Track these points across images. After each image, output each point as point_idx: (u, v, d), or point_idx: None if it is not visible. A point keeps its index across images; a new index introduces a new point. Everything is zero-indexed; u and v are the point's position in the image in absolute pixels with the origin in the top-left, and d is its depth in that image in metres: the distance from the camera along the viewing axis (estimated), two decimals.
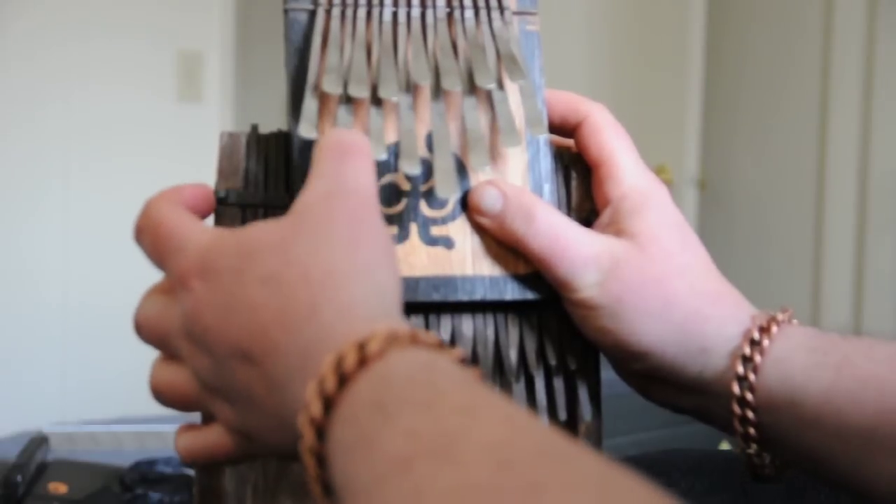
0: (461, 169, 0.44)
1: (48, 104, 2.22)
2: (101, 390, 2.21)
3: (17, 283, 2.21)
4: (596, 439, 0.44)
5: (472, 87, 0.44)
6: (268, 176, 0.44)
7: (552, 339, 0.44)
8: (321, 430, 0.29)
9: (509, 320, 0.44)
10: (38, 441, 0.88)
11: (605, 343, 0.43)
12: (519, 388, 0.43)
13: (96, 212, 2.26)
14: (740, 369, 0.41)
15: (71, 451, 1.04)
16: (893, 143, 2.41)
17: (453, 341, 0.43)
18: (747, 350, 0.41)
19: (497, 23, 0.46)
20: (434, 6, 0.45)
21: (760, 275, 2.68)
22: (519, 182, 0.44)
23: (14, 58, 2.18)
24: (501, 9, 0.46)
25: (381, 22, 0.45)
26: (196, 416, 0.39)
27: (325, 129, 0.43)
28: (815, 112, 2.57)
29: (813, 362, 0.40)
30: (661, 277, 0.42)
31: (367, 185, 0.36)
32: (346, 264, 0.33)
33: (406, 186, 0.43)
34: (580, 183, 0.46)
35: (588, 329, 0.43)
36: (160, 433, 1.10)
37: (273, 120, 2.42)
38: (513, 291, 0.43)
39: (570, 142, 0.47)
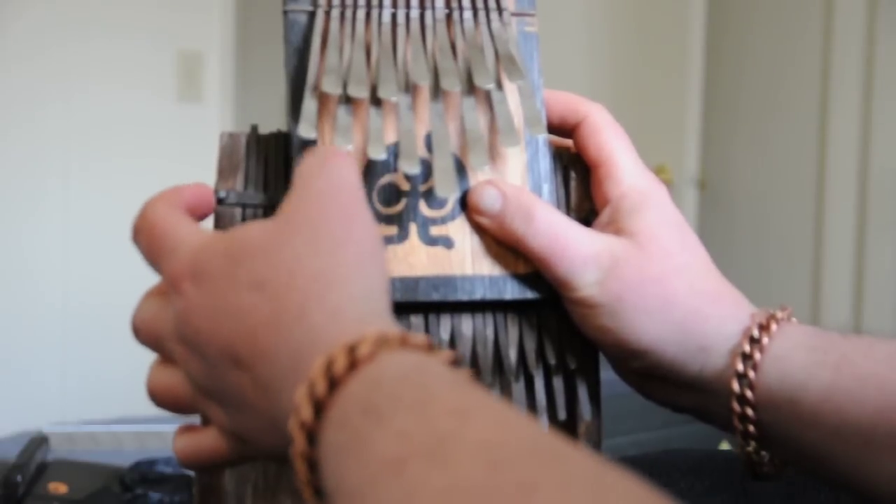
0: (460, 169, 0.44)
1: (48, 104, 2.22)
2: (101, 390, 2.21)
3: (17, 283, 2.21)
4: (596, 439, 0.44)
5: (470, 88, 0.44)
6: (268, 176, 0.44)
7: (552, 338, 0.44)
8: (312, 435, 0.29)
9: (509, 320, 0.44)
10: (38, 441, 0.88)
11: (604, 342, 0.43)
12: (518, 387, 0.43)
13: (96, 212, 2.26)
14: (740, 367, 0.41)
15: (71, 451, 1.04)
16: (893, 142, 2.41)
17: (453, 341, 0.43)
18: (747, 348, 0.41)
19: (496, 24, 0.46)
20: (433, 7, 0.46)
21: (760, 275, 2.68)
22: (518, 182, 0.44)
23: (14, 58, 2.18)
24: (500, 10, 0.46)
25: (380, 23, 0.45)
26: (195, 418, 0.39)
27: (324, 130, 0.43)
28: (815, 112, 2.57)
29: (812, 361, 0.40)
30: (660, 276, 0.42)
31: (351, 184, 0.36)
32: (334, 267, 0.33)
33: (405, 186, 0.43)
34: (579, 183, 0.46)
35: (588, 328, 0.43)
36: (160, 433, 1.10)
37: (273, 120, 2.42)
38: (512, 291, 0.43)
39: (568, 142, 0.47)
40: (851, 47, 2.47)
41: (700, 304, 0.42)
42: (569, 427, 0.44)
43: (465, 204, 0.44)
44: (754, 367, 0.40)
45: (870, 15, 2.43)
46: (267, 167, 0.44)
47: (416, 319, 0.43)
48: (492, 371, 0.43)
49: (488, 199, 0.43)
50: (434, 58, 0.44)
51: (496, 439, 0.25)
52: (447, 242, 0.43)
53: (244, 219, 0.43)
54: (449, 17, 0.46)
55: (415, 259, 0.43)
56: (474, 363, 0.43)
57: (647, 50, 2.76)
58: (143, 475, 0.82)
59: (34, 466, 0.84)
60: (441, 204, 0.44)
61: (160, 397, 0.38)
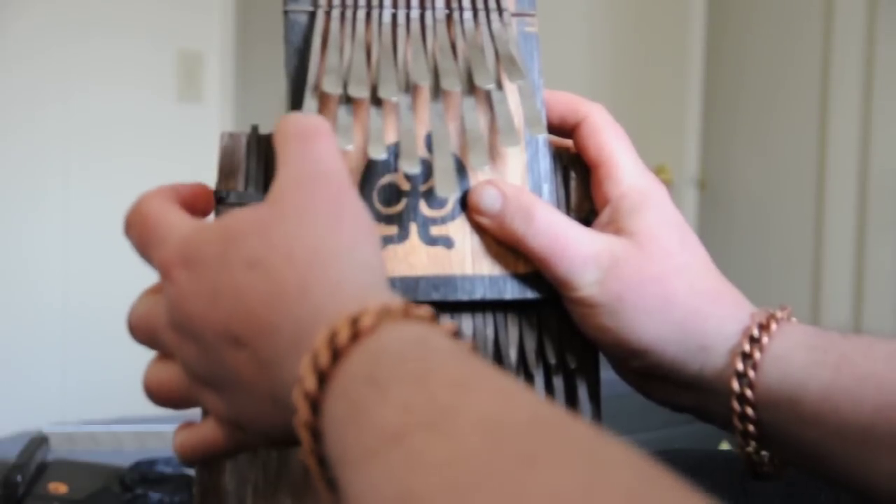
0: (460, 169, 0.44)
1: (48, 104, 2.22)
2: (101, 390, 2.21)
3: (17, 283, 2.21)
4: None
5: (471, 88, 0.44)
6: (268, 176, 0.44)
7: (552, 337, 0.44)
8: (315, 404, 0.30)
9: (509, 319, 0.44)
10: (38, 441, 0.88)
11: (604, 341, 0.43)
12: None
13: (96, 212, 2.26)
14: (740, 366, 0.41)
15: (71, 451, 1.04)
16: (893, 143, 2.41)
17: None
18: (747, 347, 0.41)
19: (496, 24, 0.46)
20: (433, 8, 0.46)
21: (760, 275, 2.68)
22: (518, 182, 0.45)
23: (14, 58, 2.18)
24: (500, 10, 0.46)
25: (380, 23, 0.45)
26: (195, 415, 0.40)
27: None
28: (815, 112, 2.57)
29: (812, 360, 0.40)
30: (660, 276, 0.42)
31: (338, 165, 0.36)
32: (331, 243, 0.33)
33: (406, 186, 0.43)
34: (579, 183, 0.47)
35: (588, 327, 0.43)
36: (160, 433, 1.10)
37: (273, 120, 2.42)
38: (512, 291, 0.43)
39: (568, 142, 0.47)
40: (851, 47, 2.47)
41: (700, 304, 0.42)
42: None
43: (465, 204, 0.44)
44: (754, 367, 0.40)
45: (870, 15, 2.44)
46: (267, 167, 0.44)
47: None
48: None
49: (488, 199, 0.43)
50: (434, 58, 0.44)
51: (496, 411, 0.25)
52: (447, 242, 0.43)
53: None
54: (449, 17, 0.46)
55: (415, 259, 0.43)
56: None
57: (647, 50, 2.76)
58: (143, 475, 0.82)
59: (34, 466, 0.84)
60: (441, 204, 0.44)
61: (156, 393, 0.38)
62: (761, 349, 0.41)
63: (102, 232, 2.26)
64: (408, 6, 0.45)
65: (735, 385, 0.41)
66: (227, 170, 0.44)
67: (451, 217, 0.44)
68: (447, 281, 0.43)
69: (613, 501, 0.22)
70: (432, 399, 0.26)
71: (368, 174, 0.43)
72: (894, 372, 0.38)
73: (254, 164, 0.44)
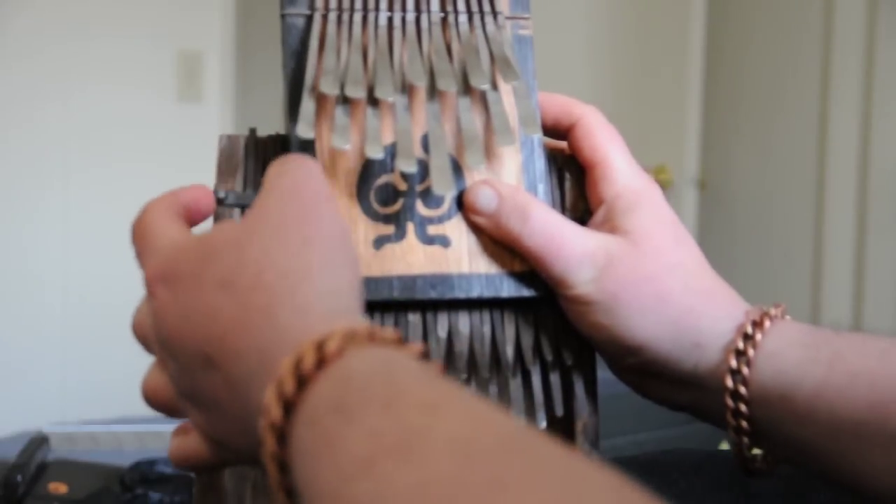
0: (457, 169, 0.45)
1: (48, 104, 2.22)
2: (101, 390, 2.21)
3: (17, 283, 2.21)
4: (593, 435, 0.44)
5: (466, 89, 0.45)
6: None
7: (548, 335, 0.45)
8: (282, 435, 0.29)
9: (505, 317, 0.44)
10: (38, 441, 0.88)
11: (599, 338, 0.43)
12: (516, 384, 0.44)
13: (96, 212, 2.26)
14: (733, 363, 0.41)
15: (71, 451, 1.04)
16: (893, 143, 2.41)
17: (451, 338, 0.43)
18: (740, 344, 0.41)
19: (490, 27, 0.46)
20: (428, 11, 0.46)
21: (760, 274, 2.68)
22: (513, 182, 0.45)
23: (14, 57, 2.18)
24: (494, 13, 0.47)
25: (376, 26, 0.45)
26: None
27: (322, 130, 0.43)
28: (815, 112, 2.57)
29: (805, 357, 0.40)
30: (654, 274, 0.42)
31: (315, 182, 0.36)
32: (300, 264, 0.33)
33: (403, 186, 0.44)
34: (574, 184, 0.47)
35: (583, 325, 0.43)
36: (160, 433, 1.10)
37: (273, 120, 2.42)
38: (509, 289, 0.44)
39: (563, 144, 0.48)
40: (851, 47, 2.47)
41: (694, 302, 0.42)
42: (566, 423, 0.45)
43: (461, 204, 0.44)
44: (748, 364, 0.41)
45: (870, 15, 2.44)
46: (266, 168, 0.45)
47: (414, 317, 0.43)
48: (489, 368, 0.44)
49: (484, 198, 0.43)
50: (430, 59, 0.45)
51: (466, 434, 0.25)
52: (444, 241, 0.44)
53: None
54: (444, 20, 0.46)
55: (412, 258, 0.43)
56: (472, 360, 0.44)
57: (647, 50, 2.76)
58: (143, 475, 0.82)
59: (34, 466, 0.84)
60: (438, 203, 0.44)
61: (150, 399, 0.38)
62: (755, 346, 0.41)
63: (102, 232, 2.27)
64: (403, 9, 0.46)
65: (729, 382, 0.41)
66: (225, 171, 0.44)
67: (448, 216, 0.44)
68: (444, 279, 0.43)
69: None
70: (400, 424, 0.26)
71: (366, 174, 0.44)
72: (887, 369, 0.38)
73: (252, 166, 0.45)
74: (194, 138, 2.32)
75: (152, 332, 0.36)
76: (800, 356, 0.40)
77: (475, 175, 0.45)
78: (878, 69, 2.42)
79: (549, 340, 0.44)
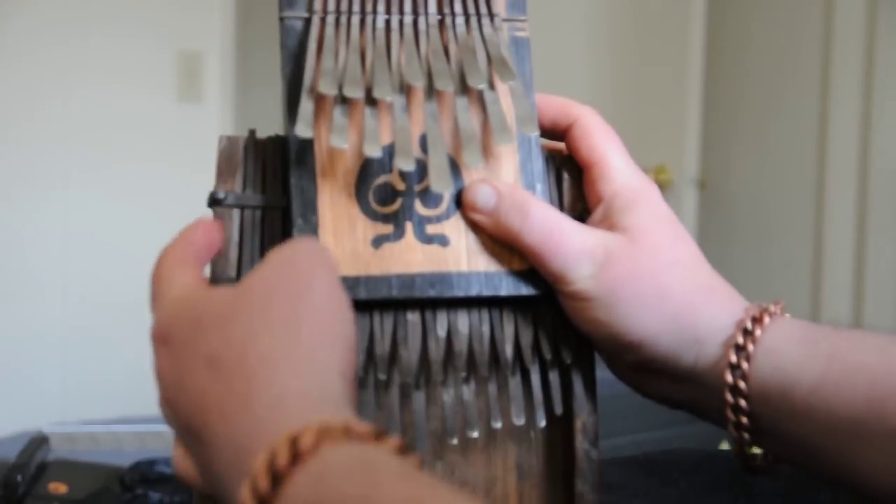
0: (454, 168, 0.45)
1: (48, 103, 2.22)
2: (101, 390, 2.21)
3: (17, 283, 2.21)
4: (592, 434, 0.44)
5: (463, 89, 0.45)
6: (265, 178, 0.45)
7: (547, 333, 0.45)
8: None
9: (504, 316, 0.44)
10: (38, 441, 0.88)
11: (599, 335, 0.43)
12: (515, 382, 0.44)
13: (96, 211, 2.27)
14: (733, 358, 0.41)
15: (71, 451, 1.04)
16: (893, 143, 2.41)
17: (450, 338, 0.44)
18: (740, 339, 0.41)
19: (487, 29, 0.47)
20: (426, 13, 0.47)
21: (760, 274, 2.68)
22: (511, 182, 0.45)
23: (14, 56, 2.18)
24: (491, 15, 0.47)
25: (374, 28, 0.46)
26: None
27: (320, 130, 0.43)
28: (815, 112, 2.57)
29: (805, 353, 0.40)
30: (653, 270, 0.42)
31: (312, 253, 0.36)
32: (283, 348, 0.33)
33: (401, 186, 0.44)
34: (572, 184, 0.47)
35: (582, 322, 0.43)
36: (160, 433, 1.10)
37: (273, 120, 2.42)
38: (507, 287, 0.44)
39: (560, 145, 0.48)
40: (851, 47, 2.47)
41: (693, 298, 0.42)
42: (565, 422, 0.45)
43: (459, 203, 0.44)
44: (747, 359, 0.41)
45: (870, 15, 2.44)
46: (265, 169, 0.45)
47: (413, 316, 0.43)
48: (488, 367, 0.44)
49: (483, 196, 0.44)
50: (427, 60, 0.45)
51: None
52: (443, 240, 0.44)
53: (242, 219, 0.44)
54: (441, 22, 0.47)
55: (411, 256, 0.43)
56: (471, 359, 0.44)
57: (647, 50, 2.76)
58: (143, 475, 0.82)
59: (34, 466, 0.84)
60: (436, 203, 0.44)
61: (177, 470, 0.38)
62: (754, 341, 0.41)
63: (102, 232, 2.27)
64: (401, 12, 0.46)
65: (728, 377, 0.41)
66: (225, 171, 0.45)
67: (447, 216, 0.44)
68: (443, 278, 0.43)
69: None
70: None
71: (364, 174, 0.44)
72: (886, 365, 0.38)
73: (251, 167, 0.45)
74: (194, 138, 2.32)
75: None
76: (799, 352, 0.40)
77: (473, 174, 0.45)
78: (878, 69, 2.42)
79: (548, 339, 0.45)
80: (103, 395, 2.19)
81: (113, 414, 1.52)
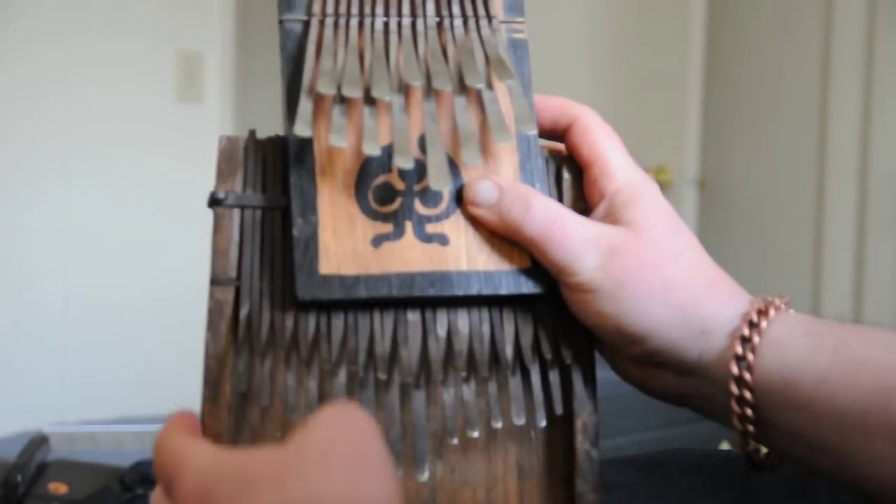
0: (453, 167, 0.45)
1: (48, 103, 2.22)
2: (101, 390, 2.21)
3: (17, 283, 2.21)
4: (593, 434, 0.44)
5: (462, 88, 0.45)
6: (266, 178, 0.45)
7: (547, 333, 0.45)
8: None
9: (504, 315, 0.45)
10: (38, 441, 0.88)
11: (604, 327, 0.43)
12: (515, 382, 0.44)
13: (96, 212, 2.27)
14: (739, 349, 0.41)
15: (71, 451, 1.04)
16: (893, 142, 2.41)
17: (450, 337, 0.44)
18: (746, 331, 0.41)
19: (485, 30, 0.47)
20: (424, 15, 0.47)
21: (761, 274, 2.68)
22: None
23: (13, 57, 2.18)
24: (489, 17, 0.47)
25: (372, 30, 0.46)
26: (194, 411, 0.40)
27: (319, 129, 0.44)
28: (815, 112, 2.57)
29: (810, 345, 0.40)
30: (658, 261, 0.42)
31: (362, 424, 0.34)
32: (348, 498, 0.31)
33: (400, 186, 0.44)
34: (572, 184, 0.47)
35: (587, 314, 0.43)
36: None
37: (273, 120, 2.42)
38: (507, 286, 0.44)
39: (560, 146, 0.48)
40: (851, 47, 2.47)
41: (699, 289, 0.42)
42: (565, 422, 0.45)
43: (459, 202, 0.44)
44: (753, 350, 0.41)
45: (870, 15, 2.44)
46: (265, 170, 0.45)
47: (413, 316, 0.43)
48: (489, 366, 0.44)
49: (485, 191, 0.44)
50: (426, 61, 0.45)
51: None
52: (442, 239, 0.44)
53: (243, 219, 0.44)
54: (440, 24, 0.47)
55: (411, 255, 0.43)
56: (471, 359, 0.44)
57: (647, 50, 2.76)
58: (143, 475, 0.82)
59: (34, 466, 0.84)
60: (436, 202, 0.44)
61: None
62: (760, 333, 0.41)
63: (102, 232, 2.27)
64: (399, 14, 0.47)
65: (734, 368, 0.41)
66: (225, 171, 0.45)
67: (446, 215, 0.44)
68: (443, 277, 0.43)
69: None
70: None
71: (363, 174, 0.44)
72: (892, 358, 0.38)
73: (251, 167, 0.45)
74: (194, 138, 2.33)
75: None
76: (804, 344, 0.40)
77: (472, 173, 0.45)
78: (878, 68, 2.42)
79: (549, 338, 0.45)
80: (103, 395, 2.19)
81: (113, 414, 1.52)
